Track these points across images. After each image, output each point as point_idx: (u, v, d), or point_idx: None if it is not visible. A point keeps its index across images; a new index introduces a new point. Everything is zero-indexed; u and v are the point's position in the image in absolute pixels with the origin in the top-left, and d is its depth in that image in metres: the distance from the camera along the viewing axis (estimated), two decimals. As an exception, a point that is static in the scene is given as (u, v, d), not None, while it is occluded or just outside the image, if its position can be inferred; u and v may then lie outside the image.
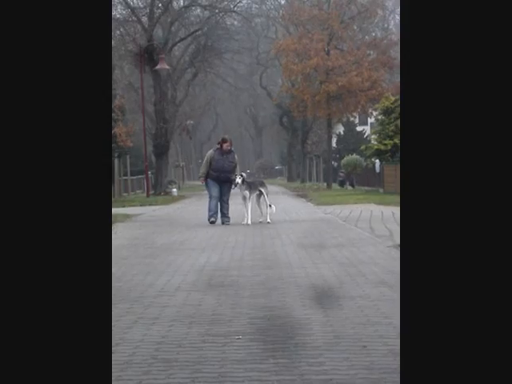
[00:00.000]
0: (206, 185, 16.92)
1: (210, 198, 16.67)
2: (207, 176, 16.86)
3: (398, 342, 4.99)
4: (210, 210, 16.63)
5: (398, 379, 4.12)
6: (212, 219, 16.45)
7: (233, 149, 16.97)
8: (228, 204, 16.81)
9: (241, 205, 16.63)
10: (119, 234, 14.70)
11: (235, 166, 16.72)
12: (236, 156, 16.92)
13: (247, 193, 16.35)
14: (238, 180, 16.28)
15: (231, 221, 16.65)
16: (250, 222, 15.95)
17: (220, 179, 16.62)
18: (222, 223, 16.35)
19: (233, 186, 16.63)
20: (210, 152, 17.03)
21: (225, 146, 16.67)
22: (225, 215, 16.67)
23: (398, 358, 4.55)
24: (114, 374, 4.40)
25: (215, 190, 16.68)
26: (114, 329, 5.66)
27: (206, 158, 17.07)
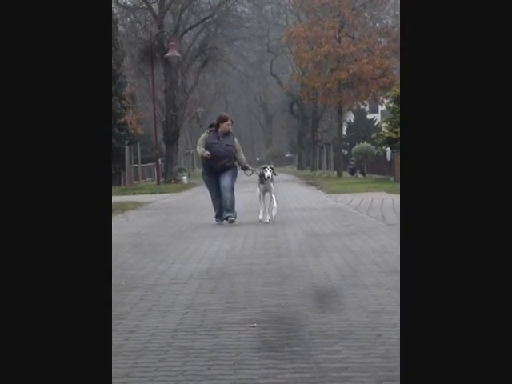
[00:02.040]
0: (205, 182, 14.17)
1: (212, 196, 13.86)
2: (204, 168, 13.99)
3: (412, 330, 5.01)
4: (215, 209, 13.89)
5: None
6: (217, 221, 13.66)
7: (231, 130, 13.81)
8: (232, 195, 13.51)
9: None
10: (131, 222, 14.75)
11: (235, 152, 13.60)
12: (236, 140, 13.72)
13: (271, 185, 13.64)
14: (269, 173, 13.48)
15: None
16: (267, 219, 13.44)
17: (215, 169, 13.47)
18: (226, 219, 13.48)
19: (248, 173, 13.85)
20: (204, 136, 13.72)
21: (224, 125, 13.51)
22: (228, 210, 13.51)
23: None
24: (129, 362, 4.45)
25: (213, 187, 13.71)
26: (128, 316, 5.72)
27: (199, 144, 13.74)
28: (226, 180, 13.47)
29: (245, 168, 13.77)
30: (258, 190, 13.70)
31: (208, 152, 13.30)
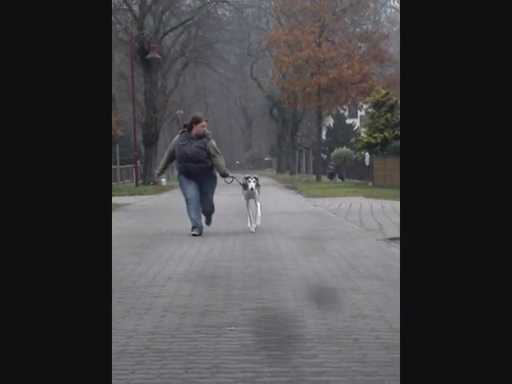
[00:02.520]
0: (180, 184, 12.55)
1: (187, 201, 12.25)
2: (179, 171, 12.48)
3: (389, 335, 5.03)
4: (190, 219, 12.16)
5: (390, 372, 4.16)
6: (194, 232, 11.92)
7: (209, 133, 12.35)
8: (212, 204, 12.61)
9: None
10: (113, 224, 14.67)
11: (207, 154, 12.10)
12: (213, 143, 12.21)
13: (256, 192, 12.68)
14: (253, 185, 12.49)
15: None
16: (253, 229, 12.41)
17: (190, 172, 12.15)
18: (208, 225, 12.74)
19: (228, 180, 12.40)
20: (175, 138, 12.56)
21: (198, 127, 12.11)
22: (208, 216, 12.78)
23: (390, 352, 4.59)
24: (106, 364, 4.43)
25: (191, 188, 12.20)
26: (106, 318, 5.68)
27: (168, 148, 12.75)
28: (208, 191, 12.35)
29: (224, 175, 12.29)
30: (243, 197, 12.86)
31: (159, 173, 13.07)
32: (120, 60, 42.23)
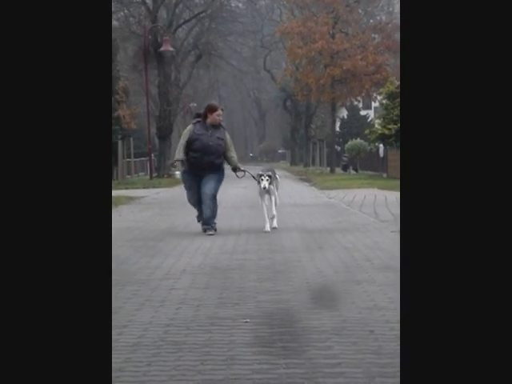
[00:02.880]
0: (182, 179, 11.69)
1: (189, 201, 11.60)
2: (187, 165, 11.28)
3: (404, 326, 5.03)
4: (197, 209, 11.60)
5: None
6: (209, 232, 11.11)
7: (223, 123, 11.51)
8: (214, 204, 11.25)
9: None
10: (124, 217, 14.73)
11: (225, 149, 11.27)
12: (227, 134, 11.44)
13: (272, 188, 11.49)
14: (266, 184, 11.26)
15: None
16: (269, 229, 11.21)
17: (201, 166, 11.06)
18: (204, 231, 11.23)
19: (239, 175, 11.44)
20: (189, 128, 11.40)
21: (214, 116, 11.10)
22: (206, 222, 11.27)
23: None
24: (123, 356, 4.45)
25: (193, 191, 11.37)
26: (121, 311, 5.72)
27: (182, 137, 11.36)
28: (209, 185, 11.18)
29: (235, 169, 11.43)
30: (258, 192, 11.63)
31: (181, 158, 11.12)
32: (133, 53, 42.19)
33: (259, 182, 11.35)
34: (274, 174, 11.66)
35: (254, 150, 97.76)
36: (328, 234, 10.81)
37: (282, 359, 4.33)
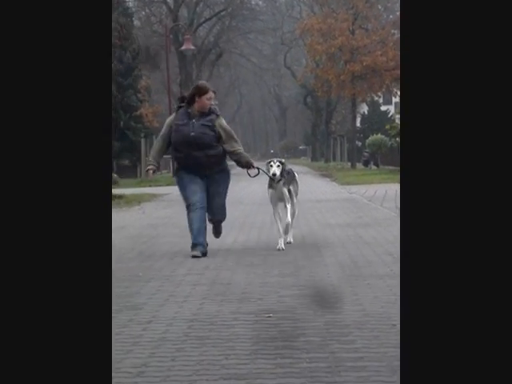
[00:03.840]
0: (178, 183, 8.80)
1: (188, 208, 8.52)
2: (178, 164, 8.83)
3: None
4: (191, 230, 8.44)
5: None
6: (194, 252, 8.30)
7: (217, 109, 8.76)
8: (224, 209, 8.89)
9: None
10: (147, 214, 14.82)
11: (217, 137, 8.49)
12: (223, 122, 8.64)
13: (285, 191, 8.96)
14: (276, 170, 8.74)
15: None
16: (283, 246, 8.75)
17: (194, 166, 8.50)
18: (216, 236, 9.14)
19: (252, 173, 8.84)
20: (170, 117, 8.90)
21: (203, 100, 8.41)
22: (217, 229, 9.06)
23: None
24: (147, 351, 4.51)
25: (194, 189, 8.51)
26: (145, 306, 5.78)
27: (163, 128, 8.80)
28: (218, 193, 8.70)
29: (247, 164, 8.69)
30: (269, 197, 9.15)
31: (152, 165, 8.68)
32: (155, 52, 42.35)
33: (272, 180, 8.90)
34: (294, 176, 9.33)
35: (275, 146, 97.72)
36: (350, 228, 10.82)
37: (305, 353, 4.36)
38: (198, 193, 8.50)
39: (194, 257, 8.24)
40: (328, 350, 4.43)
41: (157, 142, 8.89)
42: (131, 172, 34.88)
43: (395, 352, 4.35)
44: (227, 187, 8.85)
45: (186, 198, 8.59)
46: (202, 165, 8.50)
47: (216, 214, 8.83)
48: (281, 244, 8.70)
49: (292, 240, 9.17)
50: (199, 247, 8.38)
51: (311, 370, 4.04)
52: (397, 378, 3.88)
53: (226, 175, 8.81)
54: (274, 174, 8.75)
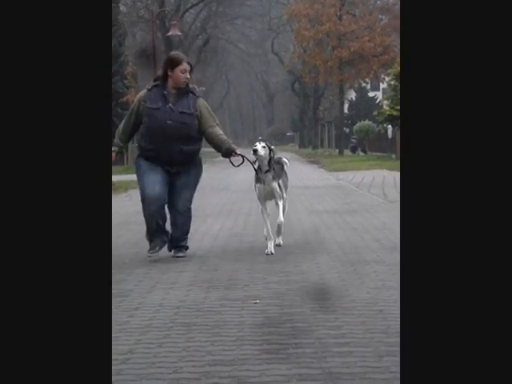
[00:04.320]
0: (137, 170, 7.47)
1: (143, 200, 7.30)
2: (140, 151, 7.59)
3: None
4: (148, 228, 7.41)
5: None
6: (150, 253, 7.29)
7: (196, 89, 7.41)
8: (189, 216, 7.48)
9: (250, 172, 8.29)
10: (134, 200, 14.77)
11: (202, 126, 7.21)
12: (203, 103, 7.31)
13: (276, 186, 7.77)
14: (261, 151, 7.51)
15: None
16: (272, 250, 7.56)
17: (163, 161, 7.21)
18: (175, 256, 7.42)
19: (236, 162, 7.34)
20: (140, 95, 7.54)
21: (177, 73, 7.14)
22: (179, 241, 7.45)
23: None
24: (133, 338, 4.51)
25: (153, 180, 7.20)
26: (132, 293, 5.78)
27: (130, 108, 7.61)
28: (182, 197, 7.39)
29: (228, 151, 7.26)
30: (256, 194, 7.91)
31: (117, 146, 7.47)
32: (141, 38, 42.21)
33: (257, 175, 7.75)
34: (283, 167, 8.10)
35: (263, 132, 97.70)
36: (337, 215, 10.84)
37: (292, 339, 4.37)
38: (156, 185, 7.18)
39: (150, 256, 7.28)
40: (314, 335, 4.44)
41: (123, 123, 7.51)
42: (118, 159, 34.78)
43: (381, 338, 4.38)
44: (198, 180, 7.54)
45: (142, 189, 7.31)
46: (173, 162, 7.24)
47: (178, 216, 7.38)
48: (270, 248, 7.54)
49: (282, 242, 7.99)
50: (158, 243, 7.37)
51: (298, 356, 4.05)
52: (383, 363, 3.90)
53: (196, 169, 7.49)
54: (256, 151, 7.46)
